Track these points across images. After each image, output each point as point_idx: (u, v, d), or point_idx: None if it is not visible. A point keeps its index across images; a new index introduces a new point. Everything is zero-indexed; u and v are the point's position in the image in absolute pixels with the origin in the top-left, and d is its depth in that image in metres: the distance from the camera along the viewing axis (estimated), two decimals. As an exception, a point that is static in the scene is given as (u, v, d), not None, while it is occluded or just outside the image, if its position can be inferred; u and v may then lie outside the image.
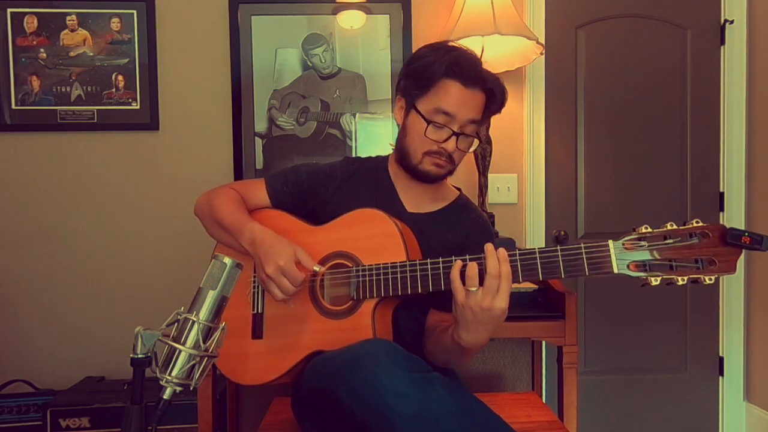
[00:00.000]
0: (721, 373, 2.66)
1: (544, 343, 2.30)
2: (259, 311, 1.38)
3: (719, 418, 2.67)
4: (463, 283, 1.12)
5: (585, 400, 2.56)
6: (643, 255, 1.04)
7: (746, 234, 0.98)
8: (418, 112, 1.35)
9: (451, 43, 1.39)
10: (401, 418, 1.01)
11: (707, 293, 2.65)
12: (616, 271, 1.05)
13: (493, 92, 1.36)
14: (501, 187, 2.51)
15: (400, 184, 1.46)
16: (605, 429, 2.64)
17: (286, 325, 1.34)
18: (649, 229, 1.04)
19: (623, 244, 1.05)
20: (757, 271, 2.56)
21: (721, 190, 2.63)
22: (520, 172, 2.54)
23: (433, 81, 1.33)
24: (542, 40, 2.43)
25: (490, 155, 2.32)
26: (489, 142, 2.31)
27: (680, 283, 1.03)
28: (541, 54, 2.28)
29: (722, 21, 2.59)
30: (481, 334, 1.15)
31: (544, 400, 2.09)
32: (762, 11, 2.51)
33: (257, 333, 1.37)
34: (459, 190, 1.56)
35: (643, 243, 1.04)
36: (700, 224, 1.02)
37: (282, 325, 1.35)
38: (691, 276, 1.02)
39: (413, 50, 2.42)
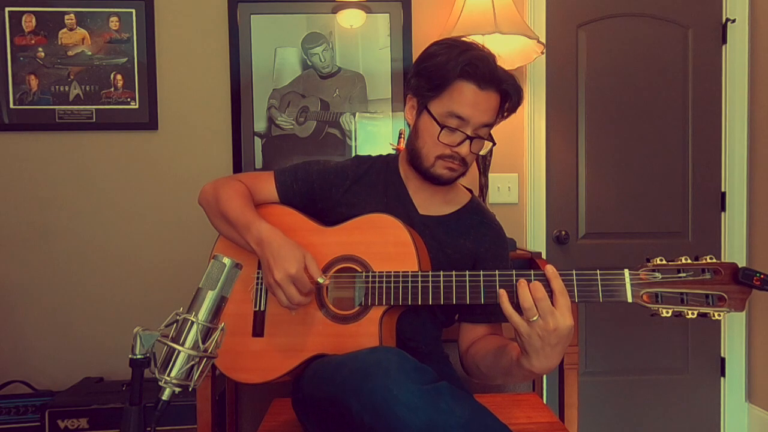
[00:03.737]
0: (723, 373, 2.65)
1: (545, 343, 2.29)
2: (261, 309, 1.36)
3: (721, 419, 2.66)
4: (521, 314, 1.07)
5: (586, 401, 2.56)
6: (657, 287, 1.06)
7: (758, 275, 1.00)
8: (431, 114, 1.31)
9: (465, 40, 1.33)
10: (412, 430, 1.00)
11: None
12: (630, 300, 1.07)
13: (508, 93, 1.31)
14: (501, 187, 2.51)
15: (411, 186, 1.42)
16: (606, 430, 2.63)
17: (289, 325, 1.32)
18: (664, 261, 1.06)
19: (639, 274, 1.07)
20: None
21: (723, 189, 2.63)
22: (520, 172, 2.53)
23: (447, 82, 1.28)
24: (543, 39, 2.43)
25: (491, 155, 2.31)
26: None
27: (689, 316, 1.04)
28: (542, 53, 2.27)
29: (724, 20, 2.59)
30: (553, 358, 1.08)
31: (545, 401, 2.08)
32: (763, 10, 2.51)
33: (258, 331, 1.35)
34: (471, 191, 1.52)
35: (656, 275, 1.06)
36: (714, 261, 1.04)
37: (284, 325, 1.32)
38: (700, 310, 1.04)
39: (413, 50, 2.43)
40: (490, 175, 2.35)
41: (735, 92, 2.58)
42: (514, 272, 1.14)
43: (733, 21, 2.56)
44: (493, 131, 2.27)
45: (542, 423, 1.57)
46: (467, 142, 1.30)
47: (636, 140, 2.60)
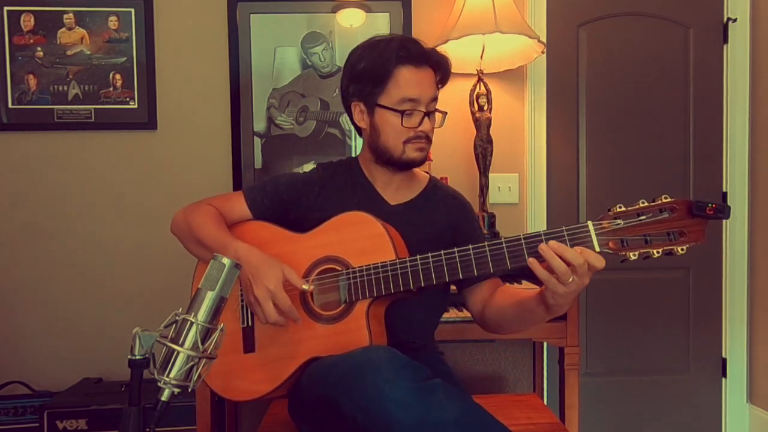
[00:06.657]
0: (724, 374, 2.64)
1: (545, 344, 2.29)
2: (249, 324, 1.37)
3: (722, 420, 2.65)
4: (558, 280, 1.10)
5: (586, 402, 2.55)
6: (621, 234, 1.10)
7: (710, 205, 1.04)
8: (385, 107, 1.37)
9: (379, 37, 1.42)
10: (404, 428, 1.01)
11: (710, 294, 2.64)
12: (597, 249, 1.10)
13: (439, 64, 1.40)
14: (502, 187, 2.50)
15: (378, 182, 1.48)
16: (607, 431, 2.63)
17: (279, 335, 1.32)
18: (623, 208, 1.10)
19: (602, 224, 1.11)
20: (759, 271, 2.55)
21: (724, 189, 2.62)
22: (521, 172, 2.52)
23: (388, 73, 1.35)
24: (543, 39, 2.42)
25: (491, 155, 2.31)
26: (490, 141, 2.30)
27: (655, 255, 1.08)
28: (543, 53, 2.27)
29: (725, 19, 2.58)
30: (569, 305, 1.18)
31: (545, 402, 2.08)
32: (765, 9, 2.50)
33: (249, 347, 1.36)
34: (427, 173, 1.58)
35: (619, 221, 1.10)
36: (669, 199, 1.07)
37: (274, 336, 1.33)
38: (664, 248, 1.07)
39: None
40: (491, 175, 2.34)
41: (736, 92, 2.57)
42: (486, 243, 1.18)
43: (735, 20, 2.55)
44: (493, 132, 2.31)
45: (542, 424, 1.56)
46: (426, 118, 1.38)
47: (637, 140, 2.59)
